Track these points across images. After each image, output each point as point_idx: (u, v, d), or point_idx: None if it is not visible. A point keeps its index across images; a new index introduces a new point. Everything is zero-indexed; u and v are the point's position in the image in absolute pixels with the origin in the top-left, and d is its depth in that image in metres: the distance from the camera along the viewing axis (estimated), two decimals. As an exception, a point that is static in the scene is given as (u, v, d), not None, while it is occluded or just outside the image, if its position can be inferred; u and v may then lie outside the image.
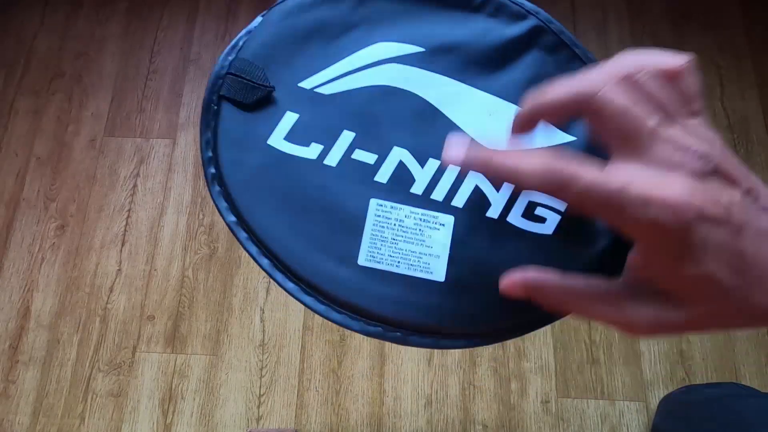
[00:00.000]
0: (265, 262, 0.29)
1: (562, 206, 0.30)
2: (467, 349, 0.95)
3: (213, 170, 0.31)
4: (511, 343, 0.95)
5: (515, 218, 0.30)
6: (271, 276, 0.30)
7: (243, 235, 0.30)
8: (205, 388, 0.93)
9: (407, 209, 0.30)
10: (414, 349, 0.95)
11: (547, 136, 0.32)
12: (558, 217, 0.30)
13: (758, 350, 0.94)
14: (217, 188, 0.30)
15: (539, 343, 0.95)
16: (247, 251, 0.30)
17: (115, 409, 0.93)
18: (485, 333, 0.29)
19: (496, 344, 0.95)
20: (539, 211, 0.30)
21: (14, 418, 0.93)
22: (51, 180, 1.08)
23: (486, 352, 0.94)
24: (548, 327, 0.96)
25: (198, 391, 0.93)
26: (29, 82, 1.16)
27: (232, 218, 0.30)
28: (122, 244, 1.03)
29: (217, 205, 0.30)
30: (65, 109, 1.13)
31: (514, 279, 0.24)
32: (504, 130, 0.29)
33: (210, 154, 0.31)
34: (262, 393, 0.93)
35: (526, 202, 0.30)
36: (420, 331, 0.29)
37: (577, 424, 0.91)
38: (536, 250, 0.30)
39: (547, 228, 0.30)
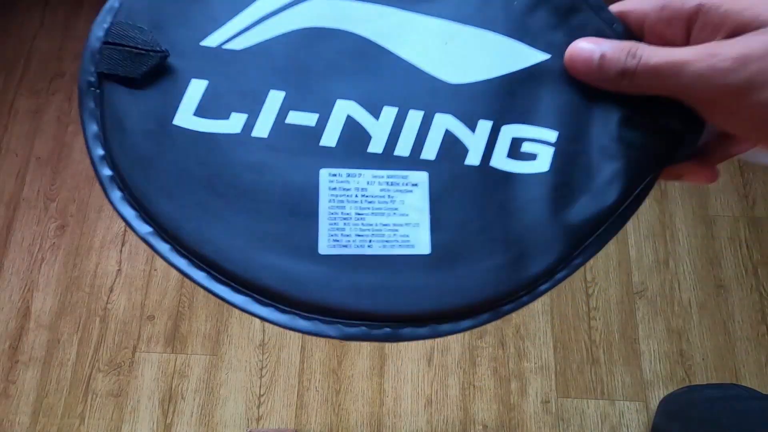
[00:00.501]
0: (199, 275, 0.24)
1: (552, 136, 0.26)
2: (467, 349, 0.95)
3: (109, 171, 0.24)
4: (511, 343, 0.95)
5: (500, 161, 0.25)
6: (211, 291, 0.24)
7: (164, 246, 0.24)
8: (205, 388, 0.93)
9: (368, 174, 0.25)
10: (414, 347, 0.95)
11: (517, 55, 0.27)
12: (551, 150, 0.26)
13: (758, 351, 0.94)
14: (118, 193, 0.24)
15: (539, 343, 0.95)
16: (174, 266, 0.24)
17: (115, 409, 0.93)
18: (491, 304, 0.24)
19: (497, 345, 0.95)
20: (527, 147, 0.26)
21: (14, 418, 0.93)
22: (51, 180, 1.08)
23: (486, 352, 0.94)
24: (548, 327, 0.96)
25: (198, 391, 0.93)
26: (29, 82, 1.16)
27: (146, 228, 0.24)
28: (122, 244, 1.03)
29: (122, 215, 0.24)
30: (65, 109, 1.13)
31: (582, 49, 0.25)
32: (470, 59, 0.26)
33: (101, 151, 0.24)
34: (262, 393, 0.93)
35: (509, 139, 0.25)
36: (413, 320, 0.24)
37: (577, 424, 0.91)
38: (533, 192, 0.25)
39: (541, 164, 0.25)
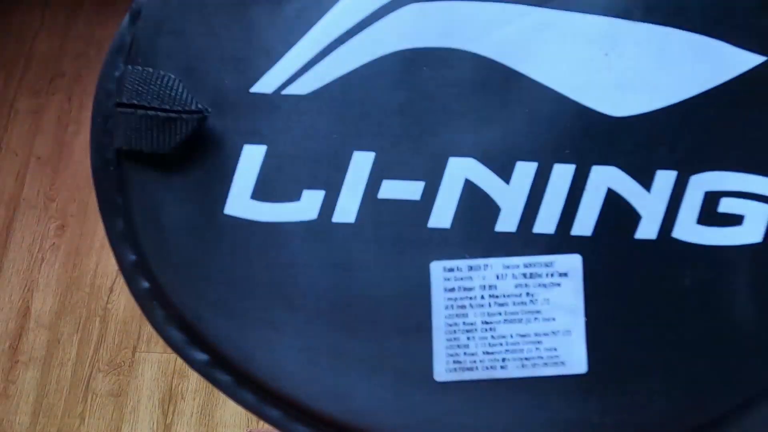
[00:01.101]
0: (273, 413, 0.18)
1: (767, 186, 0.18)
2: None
3: (146, 284, 0.19)
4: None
5: (687, 229, 0.18)
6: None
7: (226, 379, 0.18)
8: (205, 388, 0.93)
9: (498, 264, 0.18)
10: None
11: (716, 62, 0.18)
12: (767, 208, 0.18)
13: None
14: (161, 312, 0.18)
15: (539, 343, 0.95)
16: (241, 402, 0.18)
17: (115, 409, 0.93)
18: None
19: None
20: (728, 206, 0.18)
21: (14, 418, 0.93)
22: (51, 180, 1.08)
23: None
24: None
25: (198, 391, 0.93)
26: (29, 82, 1.16)
27: (201, 357, 0.18)
28: (122, 244, 1.03)
29: (168, 342, 0.18)
30: (65, 109, 1.13)
31: None
32: (643, 75, 0.18)
33: (132, 257, 0.19)
34: (262, 393, 0.93)
35: (701, 195, 0.18)
36: None
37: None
38: (740, 275, 0.17)
39: (751, 231, 0.18)
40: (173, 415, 0.93)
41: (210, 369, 0.18)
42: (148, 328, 0.97)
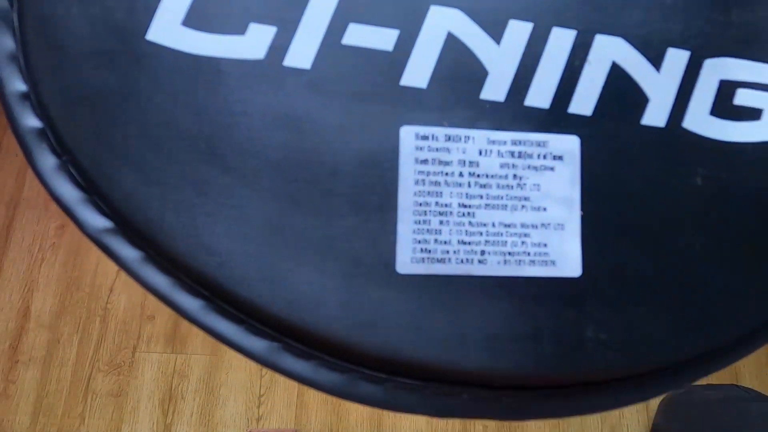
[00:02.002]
0: (191, 303, 0.14)
1: None
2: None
3: (37, 122, 0.14)
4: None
5: (700, 120, 0.15)
6: (209, 330, 0.14)
7: (131, 253, 0.14)
8: (205, 388, 0.93)
9: (481, 136, 0.15)
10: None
11: None
12: None
13: (758, 351, 0.94)
14: (52, 160, 0.13)
15: (539, 343, 0.95)
16: (146, 285, 0.14)
17: (115, 409, 0.93)
18: (679, 364, 0.15)
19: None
20: (744, 97, 0.15)
21: (14, 418, 0.93)
22: (51, 180, 1.08)
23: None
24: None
25: (198, 391, 0.93)
26: (29, 82, 1.16)
27: (100, 222, 0.14)
28: (122, 244, 1.03)
29: (57, 196, 0.14)
30: (65, 109, 1.13)
31: None
32: None
33: (21, 85, 0.14)
34: (262, 393, 0.93)
35: (716, 83, 0.15)
36: (550, 386, 0.14)
37: (577, 424, 0.91)
38: (758, 176, 0.15)
39: None
40: (173, 415, 0.92)
41: (111, 238, 0.14)
42: (148, 328, 0.97)
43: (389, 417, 0.91)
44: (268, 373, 0.94)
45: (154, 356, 0.96)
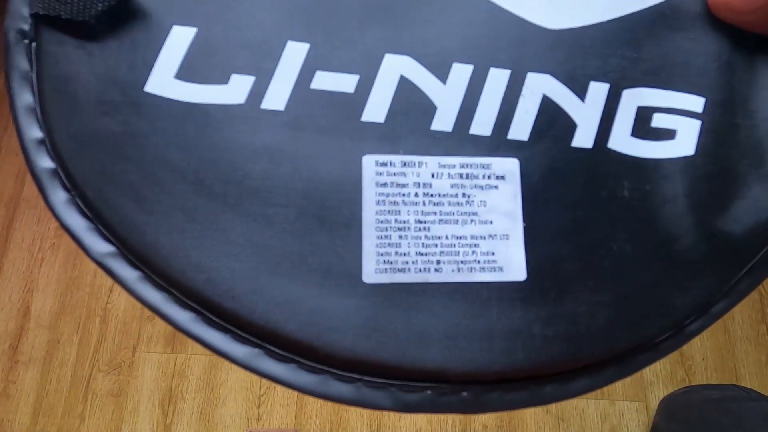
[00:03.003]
0: (182, 315, 0.16)
1: (697, 104, 0.18)
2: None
3: (50, 163, 0.16)
4: (511, 344, 0.95)
5: (622, 141, 0.17)
6: (200, 340, 0.16)
7: (130, 274, 0.16)
8: (205, 388, 0.93)
9: (433, 162, 0.17)
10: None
11: None
12: (697, 123, 0.18)
13: (758, 351, 0.95)
14: (63, 195, 0.16)
15: (539, 343, 0.95)
16: (145, 302, 0.16)
17: (115, 409, 0.93)
18: (618, 355, 0.17)
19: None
20: (660, 120, 0.18)
21: (14, 418, 0.93)
22: (51, 180, 1.08)
23: (486, 352, 0.95)
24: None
25: (198, 391, 0.93)
26: (29, 82, 1.16)
27: (104, 247, 0.16)
28: (122, 244, 1.03)
29: (67, 227, 0.16)
30: (65, 109, 1.14)
31: None
32: None
33: (38, 133, 0.16)
34: (262, 393, 0.93)
35: (634, 109, 0.18)
36: (502, 380, 0.16)
37: (577, 424, 0.91)
38: (674, 187, 0.17)
39: (683, 145, 0.17)
40: (173, 415, 0.93)
41: (113, 261, 0.16)
42: (148, 328, 0.97)
43: (389, 417, 0.91)
44: (268, 373, 0.94)
45: (154, 356, 0.96)
